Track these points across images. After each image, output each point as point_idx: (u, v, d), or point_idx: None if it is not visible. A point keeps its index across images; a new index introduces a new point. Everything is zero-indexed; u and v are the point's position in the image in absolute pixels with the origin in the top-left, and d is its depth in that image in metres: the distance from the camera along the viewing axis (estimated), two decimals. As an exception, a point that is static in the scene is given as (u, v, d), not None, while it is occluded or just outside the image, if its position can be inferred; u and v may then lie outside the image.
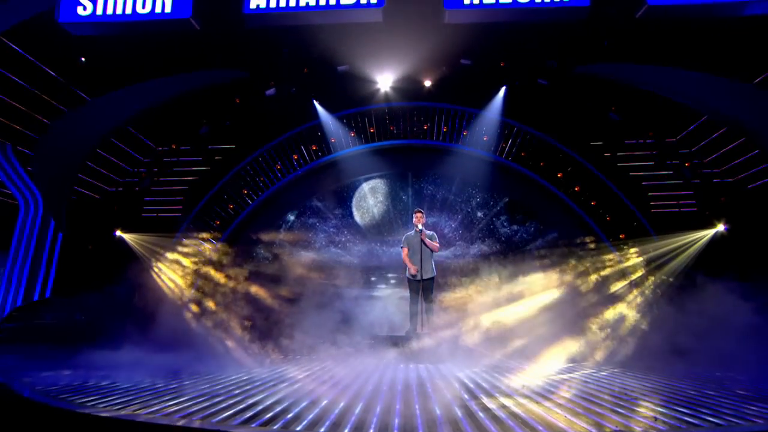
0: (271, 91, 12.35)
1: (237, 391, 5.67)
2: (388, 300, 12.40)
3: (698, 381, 6.57)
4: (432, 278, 8.51)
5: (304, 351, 9.13)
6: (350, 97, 12.91)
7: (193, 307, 10.05)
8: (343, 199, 13.79)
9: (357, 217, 13.86)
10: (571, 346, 9.08)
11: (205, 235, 12.72)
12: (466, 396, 5.42)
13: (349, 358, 8.48)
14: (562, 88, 12.25)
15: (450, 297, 12.63)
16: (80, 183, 11.92)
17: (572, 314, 10.34)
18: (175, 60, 10.99)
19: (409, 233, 8.68)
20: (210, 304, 10.15)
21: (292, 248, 13.59)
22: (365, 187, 13.96)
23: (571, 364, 8.40)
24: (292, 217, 13.87)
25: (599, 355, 9.05)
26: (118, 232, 11.64)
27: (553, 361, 8.31)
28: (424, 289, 8.41)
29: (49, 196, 11.13)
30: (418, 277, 8.39)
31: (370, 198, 13.93)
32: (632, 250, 11.56)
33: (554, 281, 11.77)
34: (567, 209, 13.13)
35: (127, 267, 10.30)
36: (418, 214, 8.63)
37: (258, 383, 6.22)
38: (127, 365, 7.25)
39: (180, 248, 11.42)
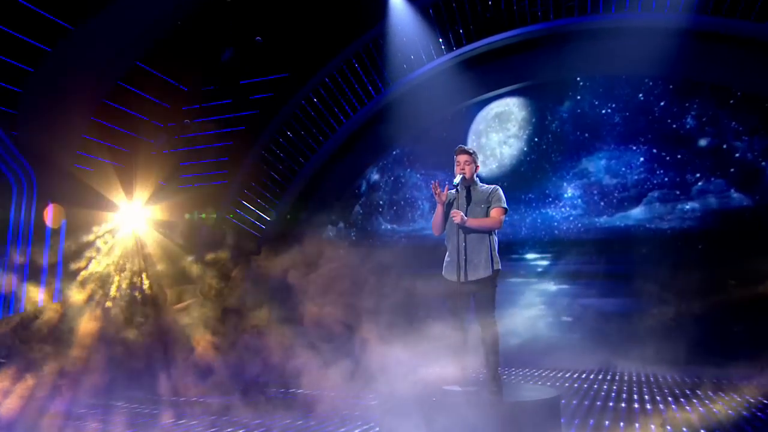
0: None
1: None
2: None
3: None
4: (487, 280, 3.86)
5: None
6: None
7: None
8: (446, 140, 8.68)
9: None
10: None
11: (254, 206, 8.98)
12: None
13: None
14: None
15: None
16: (91, 148, 9.01)
17: None
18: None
19: (451, 190, 4.00)
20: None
21: (374, 223, 9.09)
22: (485, 115, 8.64)
23: None
24: (376, 176, 9.28)
25: None
26: (135, 209, 8.52)
27: None
28: (474, 302, 3.93)
29: (43, 171, 8.39)
30: (456, 278, 3.80)
31: (493, 133, 8.58)
32: None
33: None
34: None
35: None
36: (461, 158, 3.98)
37: None
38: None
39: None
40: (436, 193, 3.78)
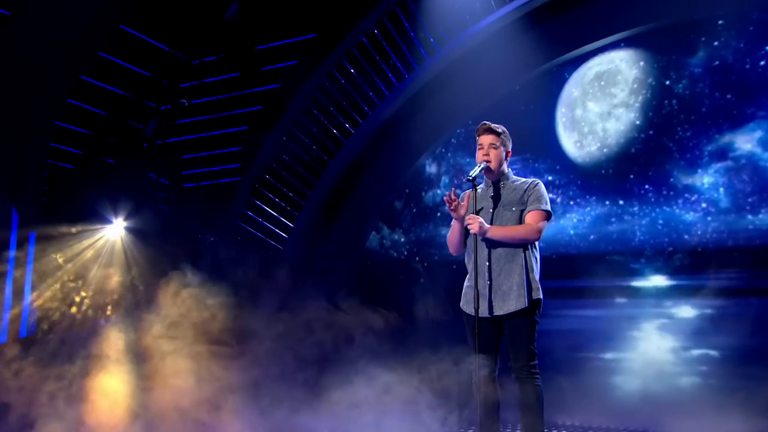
0: None
1: None
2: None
3: None
4: (521, 314, 2.92)
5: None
6: None
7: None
8: (528, 114, 6.45)
9: (568, 147, 6.44)
10: None
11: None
12: None
13: None
14: None
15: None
16: (70, 139, 7.23)
17: None
18: None
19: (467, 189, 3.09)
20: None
21: (429, 228, 6.96)
22: (581, 77, 6.39)
23: None
24: (432, 167, 7.12)
25: None
26: (118, 221, 6.67)
27: None
28: (505, 346, 3.01)
29: (4, 172, 6.67)
30: (478, 312, 2.79)
31: (592, 101, 6.30)
32: None
33: None
34: None
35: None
36: (485, 139, 3.07)
37: None
38: None
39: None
40: (451, 208, 2.98)
